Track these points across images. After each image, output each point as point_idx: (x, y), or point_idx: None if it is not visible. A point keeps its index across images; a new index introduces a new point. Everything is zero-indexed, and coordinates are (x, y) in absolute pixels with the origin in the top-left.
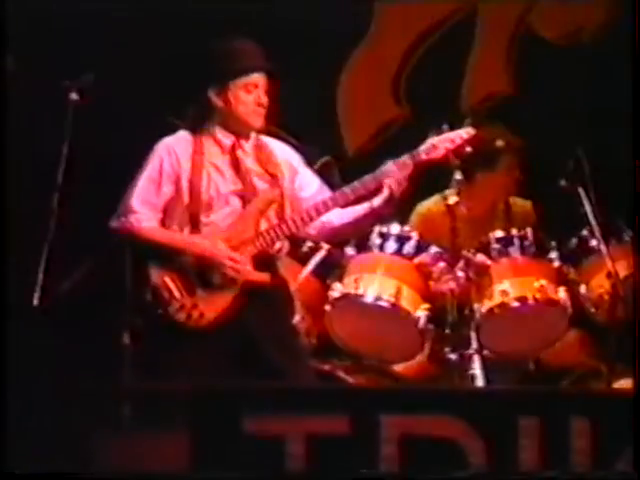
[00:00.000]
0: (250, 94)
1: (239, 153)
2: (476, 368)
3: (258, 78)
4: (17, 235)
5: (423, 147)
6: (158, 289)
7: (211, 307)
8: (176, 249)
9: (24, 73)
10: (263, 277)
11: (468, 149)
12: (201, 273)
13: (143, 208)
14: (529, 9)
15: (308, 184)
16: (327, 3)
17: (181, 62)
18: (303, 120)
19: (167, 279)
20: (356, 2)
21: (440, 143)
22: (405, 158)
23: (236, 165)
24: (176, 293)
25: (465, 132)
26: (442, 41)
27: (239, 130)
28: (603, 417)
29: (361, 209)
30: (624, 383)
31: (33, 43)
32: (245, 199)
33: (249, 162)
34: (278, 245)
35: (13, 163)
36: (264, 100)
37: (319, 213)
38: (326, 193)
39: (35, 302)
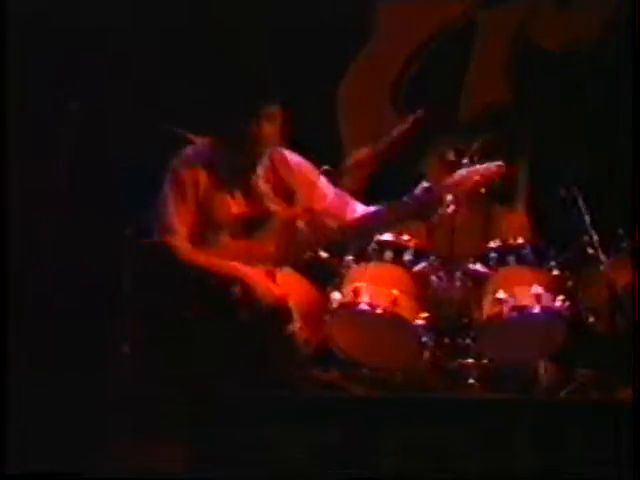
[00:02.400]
0: (265, 123)
1: (253, 175)
2: (475, 377)
3: (274, 108)
4: (16, 243)
5: (452, 179)
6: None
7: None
8: (210, 271)
9: (24, 82)
10: (284, 293)
11: (496, 182)
12: (220, 285)
13: (180, 227)
14: (528, 18)
15: (324, 195)
16: (326, 12)
17: (184, 71)
18: (302, 128)
19: (179, 284)
20: (356, 12)
21: (470, 174)
22: (434, 188)
23: (249, 186)
24: (185, 298)
25: (495, 165)
26: (441, 50)
27: (251, 152)
28: (602, 426)
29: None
30: (623, 392)
31: (33, 52)
32: (258, 220)
33: (262, 182)
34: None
35: (13, 172)
36: (278, 127)
37: (343, 232)
38: (342, 197)
39: (35, 310)
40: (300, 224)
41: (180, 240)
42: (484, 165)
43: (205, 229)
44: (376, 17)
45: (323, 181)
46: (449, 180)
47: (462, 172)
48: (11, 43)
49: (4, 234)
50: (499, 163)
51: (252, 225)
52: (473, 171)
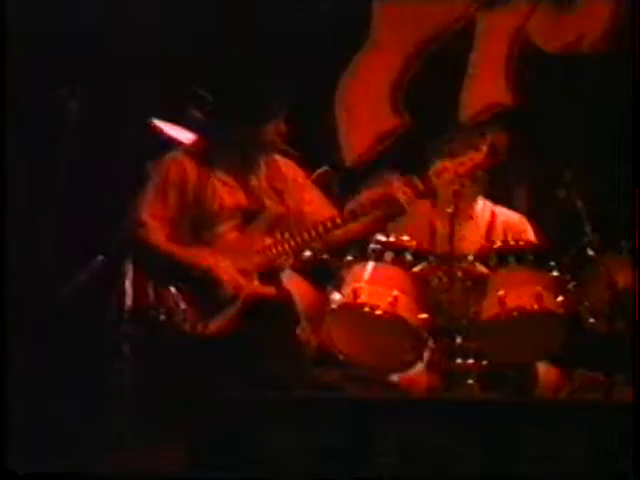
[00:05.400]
0: (272, 124)
1: (246, 171)
2: (475, 378)
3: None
4: (16, 242)
5: (434, 168)
6: (164, 299)
7: (215, 319)
8: (180, 263)
9: (23, 82)
10: (269, 290)
11: (478, 172)
12: (207, 285)
13: (152, 221)
14: (528, 18)
15: (313, 199)
16: (326, 12)
17: (187, 69)
18: (302, 129)
19: (173, 289)
20: (355, 12)
21: (451, 166)
22: (415, 178)
23: (242, 181)
24: (181, 303)
25: (475, 156)
26: (441, 51)
27: (253, 152)
28: (602, 427)
29: (365, 221)
30: (623, 394)
31: (32, 51)
32: (250, 214)
33: (255, 179)
34: (286, 257)
35: (12, 171)
36: (283, 129)
37: (327, 230)
38: (330, 208)
39: (34, 310)
40: (292, 221)
41: (149, 232)
42: (464, 156)
43: (199, 223)
44: (376, 17)
45: (312, 186)
46: (430, 171)
47: (442, 163)
48: (11, 43)
49: (4, 234)
50: (478, 154)
51: (246, 217)
52: (453, 162)
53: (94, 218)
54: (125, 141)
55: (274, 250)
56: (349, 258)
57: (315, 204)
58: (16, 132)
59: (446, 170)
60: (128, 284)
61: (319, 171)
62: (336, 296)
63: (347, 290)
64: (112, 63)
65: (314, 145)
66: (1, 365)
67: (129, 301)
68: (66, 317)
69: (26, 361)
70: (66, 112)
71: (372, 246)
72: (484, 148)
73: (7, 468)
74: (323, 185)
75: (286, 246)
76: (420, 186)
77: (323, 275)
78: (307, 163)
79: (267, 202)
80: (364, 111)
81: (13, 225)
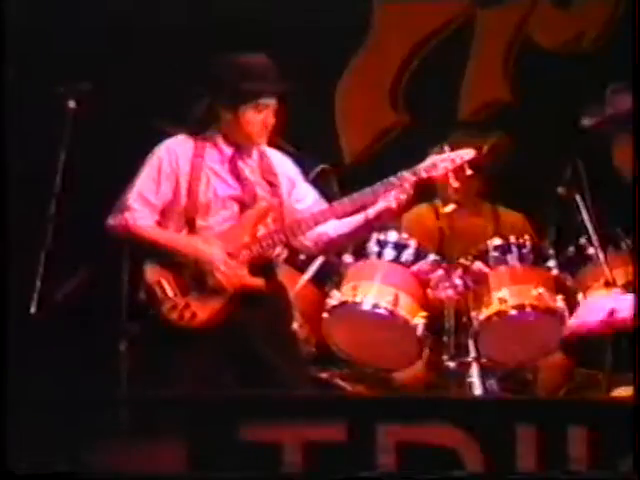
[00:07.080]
0: (259, 114)
1: (239, 163)
2: (474, 376)
3: (269, 100)
4: (15, 242)
5: (424, 165)
6: (152, 288)
7: (204, 308)
8: (171, 249)
9: (22, 81)
10: (257, 282)
11: (468, 171)
12: (196, 273)
13: (140, 206)
14: (527, 16)
15: (305, 196)
16: (325, 11)
17: (184, 68)
18: (301, 127)
19: (161, 278)
20: (354, 11)
21: (440, 162)
22: (405, 174)
23: (236, 173)
24: (169, 292)
25: (465, 153)
26: (440, 48)
27: (242, 143)
28: (602, 425)
29: (356, 221)
30: (622, 392)
31: (31, 51)
32: (243, 205)
33: (248, 171)
34: (277, 251)
35: (11, 170)
36: (271, 121)
37: (316, 223)
38: (322, 205)
39: (33, 309)
40: (269, 220)
41: (135, 217)
42: (454, 152)
43: (192, 214)
44: (374, 16)
45: (305, 184)
46: (418, 168)
47: (432, 159)
48: (10, 42)
49: (4, 234)
50: (469, 151)
51: (239, 208)
52: (443, 159)
53: (94, 217)
54: (125, 140)
55: (267, 241)
56: (348, 256)
57: (305, 201)
58: (16, 132)
59: (435, 166)
60: (123, 283)
61: (318, 169)
62: (335, 294)
63: (347, 288)
64: (111, 61)
65: (313, 143)
66: (1, 365)
67: (124, 299)
68: (66, 316)
69: (26, 361)
70: (65, 111)
71: (372, 244)
72: (480, 145)
73: (7, 468)
74: (322, 183)
75: (276, 239)
76: (409, 182)
77: (322, 273)
78: (306, 161)
79: (260, 193)
80: (363, 109)
81: (13, 224)
